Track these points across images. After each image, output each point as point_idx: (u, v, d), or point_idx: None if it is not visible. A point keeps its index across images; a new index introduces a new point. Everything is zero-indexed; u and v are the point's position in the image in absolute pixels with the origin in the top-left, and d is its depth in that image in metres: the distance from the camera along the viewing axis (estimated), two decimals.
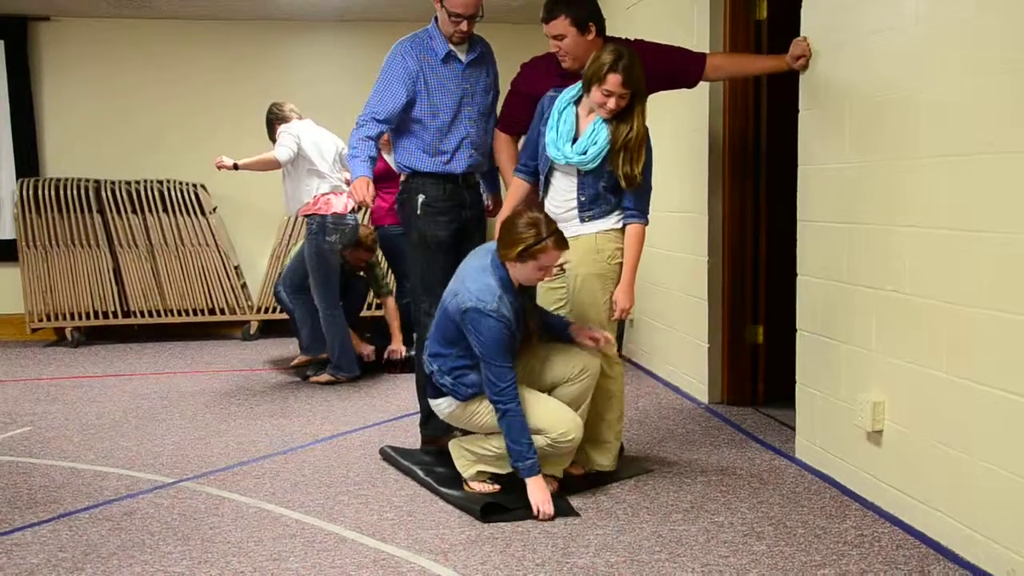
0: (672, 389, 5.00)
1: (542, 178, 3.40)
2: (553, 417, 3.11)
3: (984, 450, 2.58)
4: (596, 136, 3.22)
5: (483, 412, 3.16)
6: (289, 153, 5.16)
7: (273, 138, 5.35)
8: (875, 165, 3.07)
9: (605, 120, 3.23)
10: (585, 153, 3.23)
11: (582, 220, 3.31)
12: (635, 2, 5.48)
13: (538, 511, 3.03)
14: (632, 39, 3.74)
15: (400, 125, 3.68)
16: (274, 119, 5.41)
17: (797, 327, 3.64)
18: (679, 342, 4.97)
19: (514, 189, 3.54)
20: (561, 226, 3.15)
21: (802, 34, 3.48)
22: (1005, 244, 2.46)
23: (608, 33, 3.56)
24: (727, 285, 4.53)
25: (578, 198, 3.30)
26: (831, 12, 3.31)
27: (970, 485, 2.64)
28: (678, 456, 3.76)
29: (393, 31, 6.87)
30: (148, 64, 7.15)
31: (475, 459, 3.25)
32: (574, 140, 3.27)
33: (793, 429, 3.77)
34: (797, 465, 3.60)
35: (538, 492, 3.06)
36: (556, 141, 3.27)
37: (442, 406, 3.25)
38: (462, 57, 3.66)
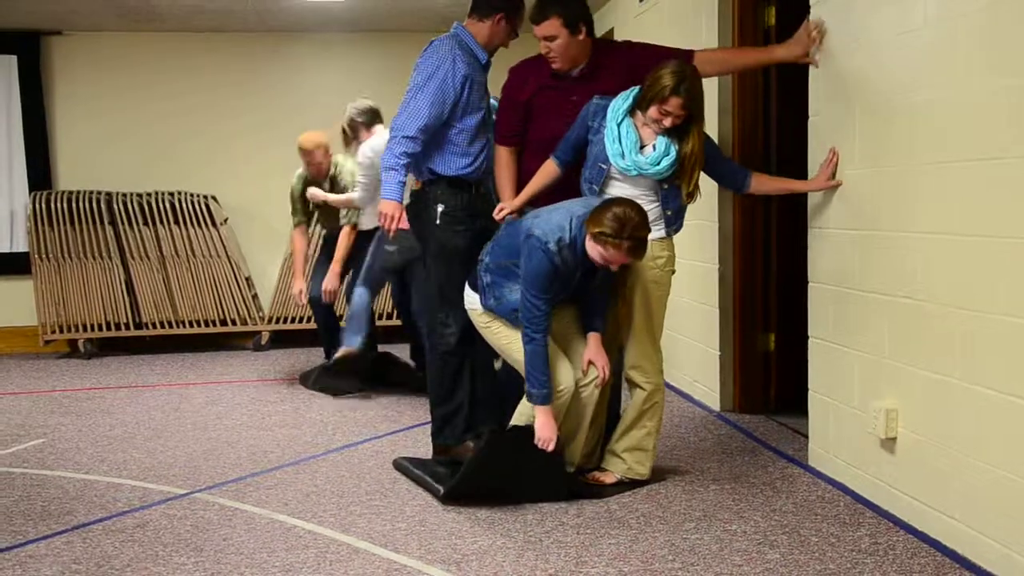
0: (684, 397, 4.99)
1: (592, 186, 3.37)
2: (556, 370, 3.25)
3: (999, 457, 2.56)
4: (668, 148, 3.26)
5: (498, 333, 3.36)
6: (366, 196, 5.06)
7: (350, 139, 5.28)
8: (887, 170, 3.06)
9: (665, 133, 3.26)
10: (659, 163, 3.25)
11: (668, 234, 3.40)
12: (643, 10, 5.49)
13: (540, 439, 3.19)
14: (622, 41, 3.75)
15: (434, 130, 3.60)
16: (353, 130, 5.28)
17: (809, 334, 3.63)
18: (690, 350, 4.96)
19: (544, 170, 3.47)
20: None
21: None
22: (1020, 249, 2.45)
23: (614, 39, 3.56)
24: (738, 292, 4.52)
25: (663, 212, 3.36)
26: (840, 17, 3.31)
27: (985, 492, 2.62)
28: (690, 464, 3.75)
29: (402, 41, 6.96)
30: (159, 77, 7.20)
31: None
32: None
33: (806, 437, 3.76)
34: (810, 473, 3.58)
35: (544, 422, 3.19)
36: (625, 152, 3.27)
37: (470, 300, 3.43)
38: (488, 66, 3.71)
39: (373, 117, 5.22)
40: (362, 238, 5.37)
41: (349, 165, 5.48)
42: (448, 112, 3.54)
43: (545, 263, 3.11)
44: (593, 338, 3.34)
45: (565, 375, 3.26)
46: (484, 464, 3.27)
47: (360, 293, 5.26)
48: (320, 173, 5.49)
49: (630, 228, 3.03)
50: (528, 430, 3.24)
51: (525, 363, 3.20)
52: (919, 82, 2.87)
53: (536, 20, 3.42)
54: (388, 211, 3.48)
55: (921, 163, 2.87)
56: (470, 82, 3.55)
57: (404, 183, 3.52)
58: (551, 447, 3.21)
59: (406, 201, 3.68)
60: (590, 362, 3.31)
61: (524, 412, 3.32)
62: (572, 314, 3.40)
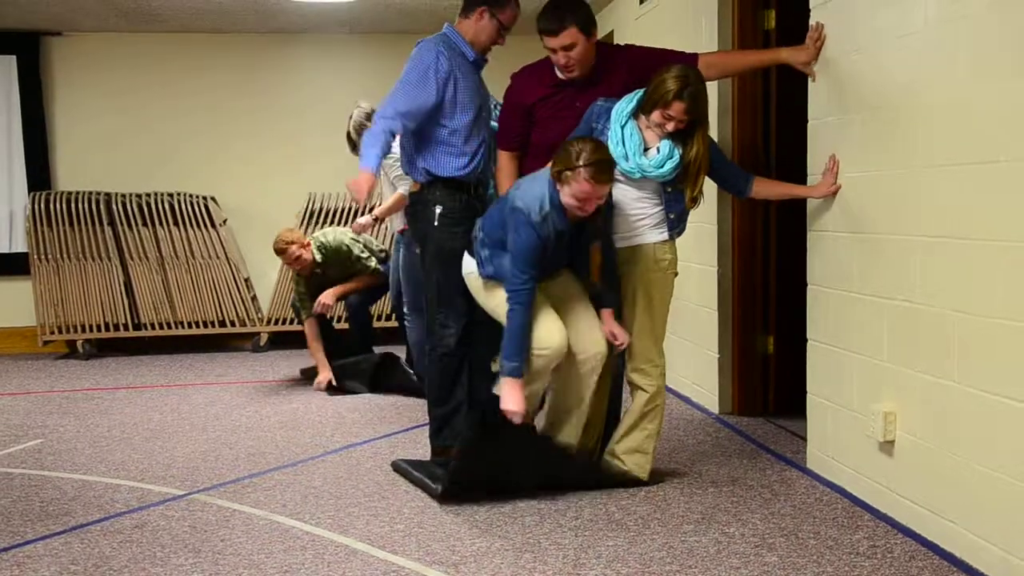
0: (682, 400, 4.99)
1: None
2: (543, 330, 3.26)
3: (997, 460, 2.56)
4: (672, 151, 3.26)
5: (498, 300, 3.32)
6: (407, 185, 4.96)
7: (357, 143, 5.19)
8: (886, 173, 3.07)
9: (669, 137, 3.26)
10: (663, 166, 3.25)
11: (671, 237, 3.40)
12: (643, 13, 5.50)
13: (506, 412, 3.21)
14: (623, 44, 3.75)
15: (426, 129, 3.61)
16: (360, 134, 5.16)
17: (808, 337, 3.63)
18: (689, 352, 4.95)
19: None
20: (623, 236, 3.33)
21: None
22: (1018, 253, 2.45)
23: (616, 43, 3.56)
24: (737, 295, 4.52)
25: (667, 216, 3.36)
26: (839, 20, 3.31)
27: (984, 495, 2.62)
28: (689, 467, 3.74)
29: (402, 43, 6.91)
30: (159, 78, 7.21)
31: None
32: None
33: (804, 439, 3.76)
34: (808, 476, 3.58)
35: (509, 393, 3.21)
36: (629, 155, 3.26)
37: (469, 268, 3.47)
38: (481, 64, 3.72)
39: None
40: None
41: (330, 236, 5.46)
42: (434, 106, 3.55)
43: (532, 237, 3.14)
44: (608, 312, 3.38)
45: (552, 336, 3.26)
46: (474, 452, 3.27)
47: (410, 324, 5.17)
48: (303, 264, 5.38)
49: (586, 155, 3.05)
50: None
51: (505, 334, 3.23)
52: (918, 84, 2.87)
53: (554, 31, 3.38)
54: (358, 179, 3.38)
55: (920, 166, 2.87)
56: (455, 78, 3.57)
57: (380, 156, 3.48)
58: (518, 420, 3.22)
59: (383, 185, 3.60)
60: (611, 332, 3.36)
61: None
62: (570, 279, 3.43)
